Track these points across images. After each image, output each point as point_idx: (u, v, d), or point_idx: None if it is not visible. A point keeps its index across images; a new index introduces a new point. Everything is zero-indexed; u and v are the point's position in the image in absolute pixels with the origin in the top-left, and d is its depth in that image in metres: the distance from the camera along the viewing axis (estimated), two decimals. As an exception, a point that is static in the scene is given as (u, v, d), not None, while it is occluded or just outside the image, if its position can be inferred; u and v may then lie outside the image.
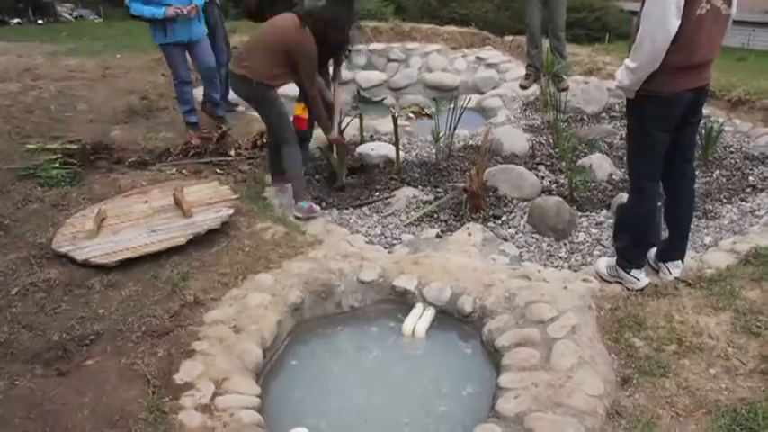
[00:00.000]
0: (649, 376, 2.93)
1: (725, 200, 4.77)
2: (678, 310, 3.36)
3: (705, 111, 5.87)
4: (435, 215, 4.69)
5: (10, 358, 3.11)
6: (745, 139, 5.96)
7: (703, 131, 5.47)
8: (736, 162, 5.47)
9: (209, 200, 4.48)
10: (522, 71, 8.22)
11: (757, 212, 4.56)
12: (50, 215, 4.48)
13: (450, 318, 3.60)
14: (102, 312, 3.45)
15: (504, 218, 4.64)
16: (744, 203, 4.70)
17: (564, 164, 5.23)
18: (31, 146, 5.30)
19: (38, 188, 4.84)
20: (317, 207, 4.65)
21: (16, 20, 13.87)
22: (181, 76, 5.79)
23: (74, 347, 3.18)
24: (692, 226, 3.83)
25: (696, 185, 4.97)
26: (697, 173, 5.23)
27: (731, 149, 5.73)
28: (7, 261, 3.90)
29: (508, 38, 9.73)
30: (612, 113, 6.84)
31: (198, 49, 5.80)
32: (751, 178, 5.14)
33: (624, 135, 5.79)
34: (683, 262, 3.69)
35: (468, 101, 6.21)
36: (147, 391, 2.89)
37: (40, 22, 14.02)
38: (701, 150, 5.52)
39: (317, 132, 5.27)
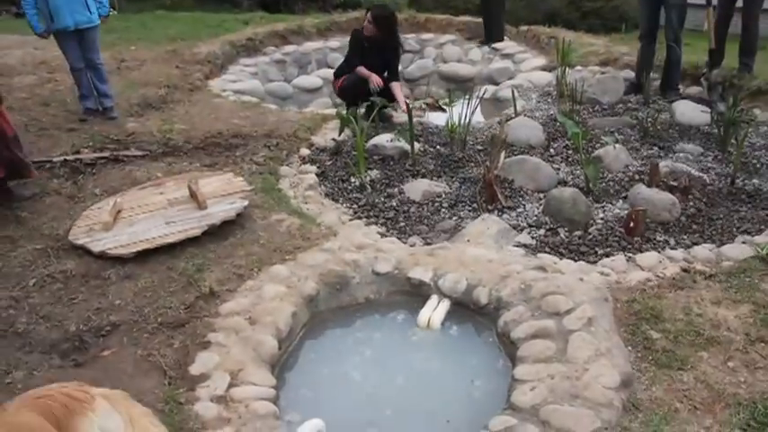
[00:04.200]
0: (667, 369, 2.91)
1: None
2: (696, 303, 3.32)
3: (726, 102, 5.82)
4: (452, 206, 4.67)
5: (28, 349, 3.14)
6: (763, 129, 5.89)
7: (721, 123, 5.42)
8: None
9: (223, 191, 4.48)
10: (538, 61, 8.16)
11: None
12: (67, 207, 4.51)
13: (465, 309, 3.58)
14: (119, 303, 3.47)
15: (519, 209, 4.61)
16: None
17: (580, 155, 5.19)
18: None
19: (54, 180, 4.87)
20: None
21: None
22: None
23: (90, 338, 3.21)
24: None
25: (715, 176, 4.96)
26: (714, 165, 5.22)
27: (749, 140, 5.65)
28: (25, 253, 3.94)
29: (524, 28, 9.66)
30: (629, 104, 6.77)
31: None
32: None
33: (647, 119, 5.77)
34: None
35: (484, 92, 6.17)
36: (162, 383, 2.90)
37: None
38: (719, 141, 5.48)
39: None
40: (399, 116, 6.32)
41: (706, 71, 6.63)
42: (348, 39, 6.65)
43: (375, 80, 6.17)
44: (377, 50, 6.27)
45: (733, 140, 5.37)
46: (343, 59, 6.86)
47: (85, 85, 6.12)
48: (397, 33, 6.46)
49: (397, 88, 6.40)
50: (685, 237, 4.18)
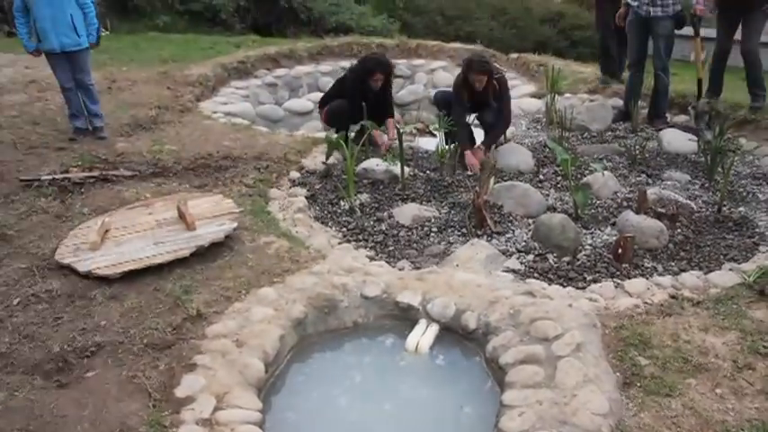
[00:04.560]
0: (655, 396, 2.90)
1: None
2: (684, 330, 3.33)
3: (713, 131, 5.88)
4: (441, 231, 4.68)
5: (10, 369, 3.09)
6: (749, 158, 5.96)
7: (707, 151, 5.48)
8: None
9: (212, 213, 4.47)
10: (528, 89, 8.25)
11: (764, 234, 4.56)
12: (54, 226, 4.47)
13: (453, 334, 3.57)
14: (104, 324, 3.43)
15: (508, 234, 4.62)
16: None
17: (568, 182, 5.22)
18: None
19: (41, 199, 4.84)
20: None
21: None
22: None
23: (74, 359, 3.17)
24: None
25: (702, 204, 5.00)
26: (700, 193, 5.27)
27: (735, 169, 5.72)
28: (10, 271, 3.89)
29: (513, 55, 9.76)
30: (618, 131, 6.84)
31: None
32: (761, 196, 5.15)
33: (635, 146, 5.83)
34: None
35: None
36: (147, 405, 2.87)
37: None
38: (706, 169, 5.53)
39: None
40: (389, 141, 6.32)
41: (694, 101, 6.73)
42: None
43: (381, 142, 6.13)
44: (375, 98, 6.22)
45: (720, 169, 5.43)
46: (330, 88, 6.78)
47: (75, 104, 6.12)
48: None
49: (391, 125, 6.33)
50: (673, 264, 4.20)
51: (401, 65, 9.29)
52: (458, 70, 9.06)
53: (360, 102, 6.05)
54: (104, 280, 3.79)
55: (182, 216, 4.37)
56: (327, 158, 5.79)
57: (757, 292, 3.61)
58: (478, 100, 5.92)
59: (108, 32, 12.64)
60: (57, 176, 5.14)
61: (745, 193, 5.25)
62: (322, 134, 6.38)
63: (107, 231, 4.25)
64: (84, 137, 6.10)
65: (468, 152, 5.78)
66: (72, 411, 2.82)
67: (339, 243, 4.49)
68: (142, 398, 2.91)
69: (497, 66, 6.40)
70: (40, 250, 4.13)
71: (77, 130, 6.14)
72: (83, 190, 5.04)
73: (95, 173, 5.27)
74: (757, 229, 4.63)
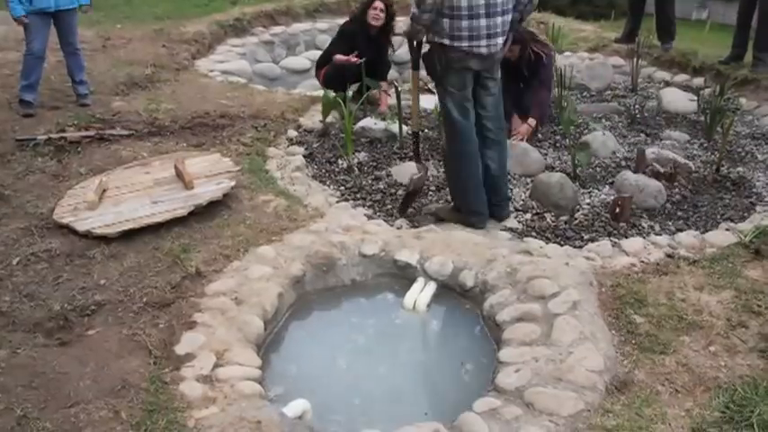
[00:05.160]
0: (649, 353, 2.94)
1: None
2: (679, 288, 3.36)
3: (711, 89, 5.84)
4: (439, 189, 4.67)
5: (11, 327, 3.12)
6: (749, 118, 5.94)
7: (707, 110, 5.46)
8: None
9: (210, 172, 4.46)
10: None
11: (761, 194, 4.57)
12: (51, 186, 4.47)
13: (451, 292, 3.60)
14: (104, 283, 3.45)
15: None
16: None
17: (567, 141, 5.21)
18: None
19: (38, 159, 4.82)
20: None
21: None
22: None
23: (75, 317, 3.19)
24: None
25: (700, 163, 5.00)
26: (699, 152, 5.26)
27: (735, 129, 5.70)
28: (8, 231, 3.90)
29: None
30: (617, 90, 6.79)
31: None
32: (759, 156, 5.15)
33: (634, 106, 5.78)
34: None
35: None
36: (148, 362, 2.90)
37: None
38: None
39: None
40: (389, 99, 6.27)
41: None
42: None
43: (352, 60, 5.91)
44: (375, 42, 6.13)
45: (719, 128, 5.41)
46: (328, 46, 6.67)
47: (37, 75, 5.69)
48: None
49: (384, 89, 6.18)
50: (670, 223, 4.21)
51: (399, 22, 9.16)
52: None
53: (350, 44, 5.98)
54: (103, 239, 3.79)
55: (179, 175, 4.36)
56: (325, 118, 5.75)
57: (753, 252, 3.64)
58: (513, 72, 5.38)
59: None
60: (53, 136, 5.10)
61: (743, 153, 5.24)
62: (320, 92, 6.31)
63: (105, 191, 4.25)
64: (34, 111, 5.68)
65: (515, 116, 5.48)
66: (74, 368, 2.85)
67: (337, 201, 4.49)
68: (143, 355, 2.94)
69: (538, 37, 5.78)
70: (38, 210, 4.13)
71: (25, 104, 5.61)
72: (79, 149, 5.01)
73: (92, 132, 5.23)
74: (754, 189, 4.64)
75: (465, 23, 3.71)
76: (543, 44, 5.63)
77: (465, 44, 3.76)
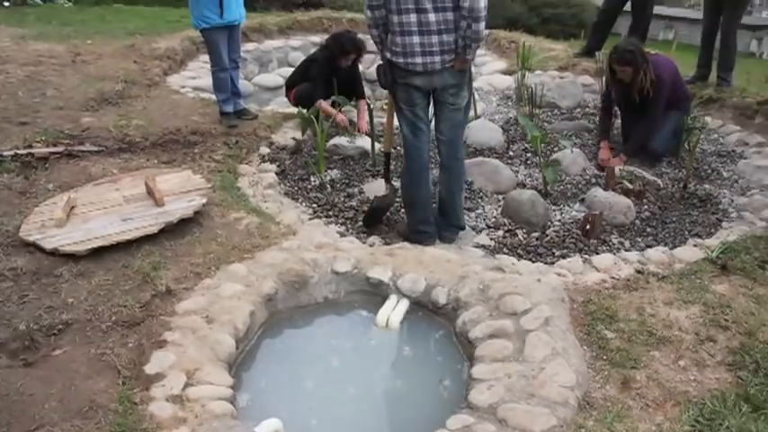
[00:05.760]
0: (620, 368, 2.97)
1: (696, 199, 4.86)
2: (649, 304, 3.40)
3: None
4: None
5: (-25, 348, 3.04)
6: (714, 136, 6.06)
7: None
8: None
9: (181, 189, 4.42)
10: (498, 65, 8.27)
11: (727, 211, 4.66)
12: (18, 203, 4.38)
13: (424, 309, 3.60)
14: (72, 302, 3.38)
15: (478, 210, 4.65)
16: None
17: (538, 158, 5.26)
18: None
19: (4, 175, 4.72)
20: None
21: (-18, 2, 13.49)
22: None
23: (41, 337, 3.12)
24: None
25: (668, 181, 5.08)
26: (667, 170, 5.36)
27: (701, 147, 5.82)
28: (-27, 249, 3.81)
29: (485, 32, 9.73)
30: (587, 108, 6.89)
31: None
32: (725, 173, 5.26)
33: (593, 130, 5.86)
34: None
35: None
36: (117, 382, 2.84)
37: (6, 4, 13.66)
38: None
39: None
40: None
41: None
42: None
43: (340, 119, 5.87)
44: (345, 75, 6.14)
45: (686, 146, 5.52)
46: (298, 67, 6.63)
47: None
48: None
49: (363, 107, 6.12)
50: (639, 239, 4.28)
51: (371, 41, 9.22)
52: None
53: (328, 82, 6.00)
54: (71, 257, 3.73)
55: (150, 192, 4.31)
56: (303, 134, 5.76)
57: (720, 267, 3.70)
58: (630, 97, 5.15)
59: (70, 3, 12.33)
60: (20, 152, 5.02)
61: (709, 171, 5.35)
62: (292, 110, 6.32)
63: (73, 208, 4.18)
64: None
65: (604, 144, 5.46)
66: (40, 390, 2.79)
67: (309, 219, 4.48)
68: (111, 375, 2.89)
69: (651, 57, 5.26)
70: (4, 227, 4.05)
71: None
72: (47, 165, 4.92)
73: (60, 148, 5.16)
74: (720, 206, 4.73)
75: (398, 39, 3.76)
76: (663, 65, 5.29)
77: (401, 60, 3.80)
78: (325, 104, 5.93)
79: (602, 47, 7.69)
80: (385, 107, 6.47)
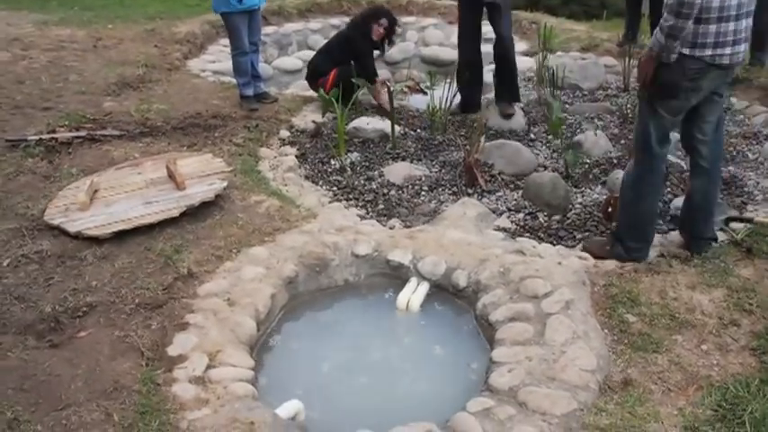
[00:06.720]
0: (642, 352, 2.95)
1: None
2: (672, 287, 3.36)
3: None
4: (432, 189, 4.67)
5: (2, 330, 3.11)
6: (740, 117, 5.96)
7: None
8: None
9: (202, 172, 4.44)
10: (520, 46, 8.17)
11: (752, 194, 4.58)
12: (42, 187, 4.44)
13: (444, 292, 3.60)
14: (95, 284, 3.43)
15: (499, 193, 4.63)
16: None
17: (559, 140, 5.21)
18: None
19: (28, 159, 4.79)
20: None
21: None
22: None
23: (66, 319, 3.17)
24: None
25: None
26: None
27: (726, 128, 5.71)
28: (-1, 232, 3.88)
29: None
30: (609, 90, 6.80)
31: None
32: (750, 155, 5.17)
33: (626, 105, 5.77)
34: None
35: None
36: (140, 364, 2.89)
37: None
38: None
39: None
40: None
41: None
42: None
43: (383, 101, 5.89)
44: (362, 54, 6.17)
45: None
46: (325, 53, 6.43)
47: None
48: None
49: (382, 89, 6.07)
50: (662, 222, 4.22)
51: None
52: (449, 28, 8.96)
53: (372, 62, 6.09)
54: (94, 240, 3.78)
55: (171, 176, 4.34)
56: (323, 116, 5.76)
57: (744, 250, 3.65)
58: None
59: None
60: (43, 136, 5.08)
61: (735, 153, 5.25)
62: (312, 93, 6.31)
63: (96, 191, 4.23)
64: None
65: None
66: (65, 371, 2.84)
67: (330, 202, 4.49)
68: (135, 357, 2.93)
69: None
70: (29, 211, 4.11)
71: None
72: (70, 150, 4.98)
73: (83, 133, 5.21)
74: (746, 188, 4.64)
75: (713, 28, 3.08)
76: None
77: (708, 52, 3.15)
78: (380, 84, 6.04)
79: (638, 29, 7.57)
80: (405, 89, 6.49)
